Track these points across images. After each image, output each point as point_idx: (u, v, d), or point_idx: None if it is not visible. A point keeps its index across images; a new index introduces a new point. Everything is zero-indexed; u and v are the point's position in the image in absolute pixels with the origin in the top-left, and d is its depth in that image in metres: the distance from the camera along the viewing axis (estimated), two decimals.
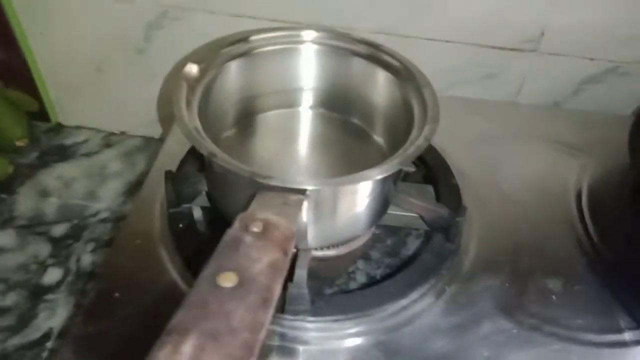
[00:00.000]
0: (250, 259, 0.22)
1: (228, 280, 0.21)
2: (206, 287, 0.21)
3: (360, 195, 0.35)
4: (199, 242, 0.40)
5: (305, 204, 0.29)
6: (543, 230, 0.45)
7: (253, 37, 0.42)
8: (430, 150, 0.49)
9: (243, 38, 0.42)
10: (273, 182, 0.30)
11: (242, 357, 0.18)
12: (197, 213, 0.43)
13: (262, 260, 0.22)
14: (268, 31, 0.43)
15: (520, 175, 0.50)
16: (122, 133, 0.75)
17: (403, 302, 0.38)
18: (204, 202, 0.44)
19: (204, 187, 0.43)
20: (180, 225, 0.41)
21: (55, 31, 0.65)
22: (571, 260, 0.42)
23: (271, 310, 0.21)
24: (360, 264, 0.44)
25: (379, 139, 0.46)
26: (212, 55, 0.40)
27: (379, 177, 0.32)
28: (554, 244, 0.44)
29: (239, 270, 0.21)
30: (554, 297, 0.39)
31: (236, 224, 0.25)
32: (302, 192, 0.30)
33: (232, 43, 0.41)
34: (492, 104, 0.61)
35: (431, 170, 0.47)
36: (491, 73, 0.63)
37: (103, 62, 0.68)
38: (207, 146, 0.32)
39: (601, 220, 0.44)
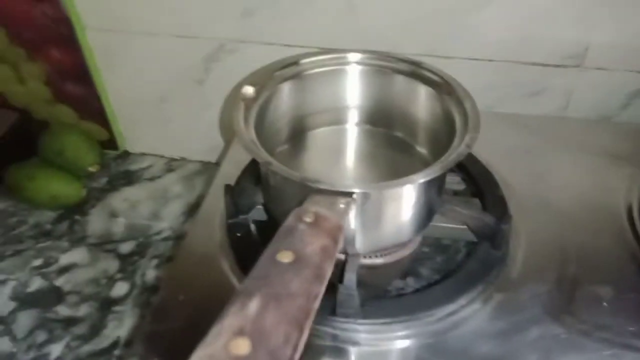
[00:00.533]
0: (304, 242, 0.25)
1: (286, 257, 0.24)
2: (267, 263, 0.23)
3: (404, 200, 0.37)
4: (256, 249, 0.43)
5: (352, 207, 0.32)
6: (591, 239, 0.44)
7: (303, 61, 0.46)
8: (477, 164, 0.50)
9: (294, 62, 0.46)
10: (322, 186, 0.33)
11: (299, 318, 0.21)
12: (253, 224, 0.47)
13: (315, 244, 0.25)
14: (316, 55, 0.47)
15: (567, 186, 0.50)
16: (183, 159, 0.80)
17: (451, 307, 0.39)
18: (259, 215, 0.48)
19: (259, 200, 0.46)
20: (238, 234, 0.44)
21: (124, 67, 0.71)
22: (622, 269, 0.42)
23: (323, 286, 0.23)
24: (410, 280, 0.46)
25: (422, 150, 0.48)
26: (266, 77, 0.44)
27: (422, 180, 0.34)
28: (604, 253, 0.43)
29: (295, 250, 0.24)
30: (605, 304, 0.39)
31: (291, 217, 0.28)
32: (350, 194, 0.32)
33: (284, 66, 0.45)
34: (538, 119, 0.61)
35: (477, 183, 0.48)
36: (536, 90, 0.63)
37: (166, 93, 0.73)
38: (263, 155, 0.36)
39: None
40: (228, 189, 0.45)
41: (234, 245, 0.43)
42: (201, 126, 0.76)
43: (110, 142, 0.80)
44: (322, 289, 0.23)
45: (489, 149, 0.53)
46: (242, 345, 0.19)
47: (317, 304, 0.22)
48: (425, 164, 0.46)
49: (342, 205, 0.31)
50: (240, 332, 0.19)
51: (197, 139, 0.78)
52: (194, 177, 0.77)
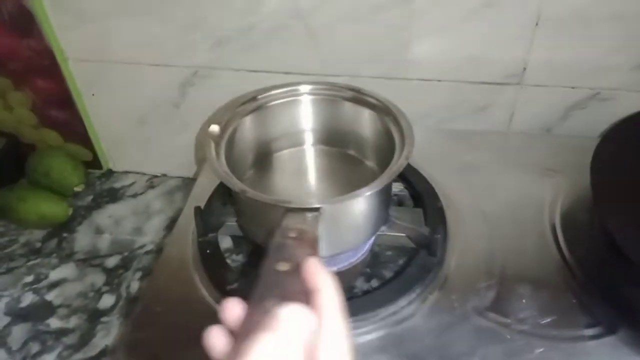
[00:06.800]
0: (294, 254, 0.31)
1: (283, 266, 0.30)
2: (271, 273, 0.29)
3: (358, 210, 0.44)
4: (222, 263, 0.49)
5: (319, 219, 0.38)
6: (517, 245, 0.51)
7: (262, 95, 0.52)
8: (420, 178, 0.57)
9: (254, 96, 0.52)
10: (294, 205, 0.39)
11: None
12: (222, 240, 0.52)
13: (302, 254, 0.31)
14: (273, 89, 0.53)
15: (501, 197, 0.56)
16: (163, 175, 0.85)
17: (392, 308, 0.45)
18: (227, 232, 0.53)
19: (227, 219, 0.52)
20: (208, 251, 0.50)
21: (105, 93, 0.76)
22: (541, 270, 0.48)
23: None
24: (374, 282, 0.52)
25: (371, 164, 0.55)
26: (230, 113, 0.50)
27: (371, 191, 0.41)
28: (526, 257, 0.50)
29: (289, 260, 0.30)
30: (524, 300, 0.46)
31: (277, 235, 0.34)
32: (317, 209, 0.39)
33: (246, 101, 0.51)
34: (483, 134, 0.67)
35: (420, 196, 0.55)
36: (482, 106, 0.69)
37: (145, 116, 0.78)
38: (239, 185, 0.42)
39: (570, 233, 0.50)
40: (197, 210, 0.50)
41: (204, 261, 0.49)
42: (180, 145, 0.81)
43: (94, 162, 0.84)
44: None
45: (434, 163, 0.59)
46: None
47: None
48: (374, 175, 0.53)
49: (312, 216, 0.38)
50: None
51: (176, 156, 0.82)
52: (175, 193, 0.82)
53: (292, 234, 0.34)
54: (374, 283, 0.51)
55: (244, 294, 0.45)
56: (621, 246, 0.42)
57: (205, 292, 0.48)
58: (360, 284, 0.51)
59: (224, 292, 0.46)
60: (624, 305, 0.45)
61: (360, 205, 0.44)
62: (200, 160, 0.82)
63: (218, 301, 0.46)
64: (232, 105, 0.51)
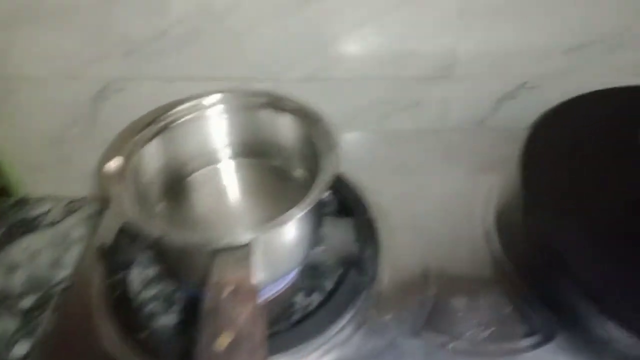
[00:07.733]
0: (234, 316, 0.26)
1: (223, 341, 0.25)
2: (210, 354, 0.25)
3: (291, 234, 0.40)
4: (131, 307, 0.43)
5: (253, 252, 0.33)
6: (451, 251, 0.48)
7: (164, 115, 0.47)
8: (348, 187, 0.53)
9: (155, 118, 0.47)
10: (221, 246, 0.33)
11: None
12: (130, 280, 0.47)
13: (244, 312, 0.27)
14: (175, 105, 0.48)
15: (434, 201, 0.53)
16: (84, 198, 0.79)
17: (320, 340, 0.41)
18: (137, 269, 0.48)
19: (136, 256, 0.46)
20: (117, 292, 0.44)
21: (9, 112, 0.69)
22: (476, 277, 0.46)
23: (265, 348, 0.25)
24: (316, 295, 0.47)
25: (298, 174, 0.51)
26: (129, 142, 0.44)
27: (304, 212, 0.37)
28: (461, 267, 0.47)
29: (230, 328, 0.25)
30: (460, 314, 0.43)
31: (211, 293, 0.29)
32: (246, 245, 0.34)
33: (146, 125, 0.46)
34: (415, 133, 0.64)
35: (348, 207, 0.51)
36: (414, 102, 0.66)
37: (59, 135, 0.71)
38: (156, 229, 0.36)
39: (504, 235, 0.48)
40: (101, 251, 0.45)
41: (110, 305, 0.43)
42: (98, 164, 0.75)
43: (4, 190, 0.77)
44: (267, 353, 0.25)
45: (365, 168, 0.56)
46: None
47: None
48: (304, 186, 0.48)
49: (243, 254, 0.32)
50: None
51: (95, 177, 0.77)
52: (97, 217, 0.76)
53: (228, 289, 0.29)
54: (315, 297, 0.48)
55: (157, 344, 0.41)
56: (554, 246, 0.40)
57: (109, 340, 0.42)
58: (301, 300, 0.47)
59: (134, 343, 0.41)
60: (561, 309, 0.43)
61: (293, 228, 0.40)
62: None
63: (125, 355, 0.41)
64: (130, 132, 0.46)
